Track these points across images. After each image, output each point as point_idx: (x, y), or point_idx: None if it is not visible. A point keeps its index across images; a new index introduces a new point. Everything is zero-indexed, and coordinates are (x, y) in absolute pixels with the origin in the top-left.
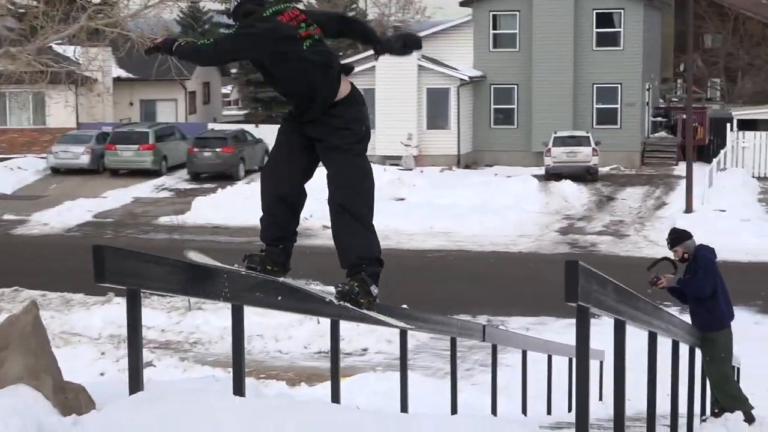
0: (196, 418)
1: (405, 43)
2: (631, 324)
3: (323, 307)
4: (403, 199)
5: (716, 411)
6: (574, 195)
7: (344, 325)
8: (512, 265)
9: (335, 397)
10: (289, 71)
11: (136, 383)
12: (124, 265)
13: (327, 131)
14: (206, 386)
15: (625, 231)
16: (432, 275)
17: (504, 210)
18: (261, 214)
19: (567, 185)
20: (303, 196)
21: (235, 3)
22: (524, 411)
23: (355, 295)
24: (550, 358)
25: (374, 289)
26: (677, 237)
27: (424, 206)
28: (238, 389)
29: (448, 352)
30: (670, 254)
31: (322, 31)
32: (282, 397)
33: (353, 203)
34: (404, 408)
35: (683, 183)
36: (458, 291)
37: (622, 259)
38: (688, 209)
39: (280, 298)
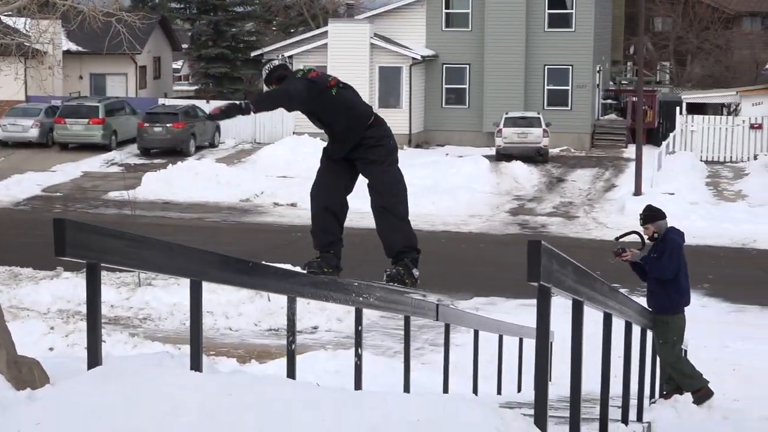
0: (156, 394)
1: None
2: (589, 305)
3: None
4: None
5: (665, 393)
6: (524, 176)
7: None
8: (463, 245)
9: (291, 374)
10: (329, 113)
11: (94, 358)
12: (85, 239)
13: (364, 150)
14: (161, 362)
15: (575, 213)
16: (384, 254)
17: (455, 190)
18: (311, 226)
19: (518, 166)
20: (346, 207)
21: (267, 70)
22: (475, 391)
23: (401, 276)
24: (501, 338)
25: (416, 272)
26: (651, 215)
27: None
28: (195, 365)
29: (399, 331)
30: (641, 230)
31: None
32: (240, 374)
33: (392, 205)
34: (358, 386)
35: (632, 165)
36: None
37: (572, 241)
38: (637, 192)
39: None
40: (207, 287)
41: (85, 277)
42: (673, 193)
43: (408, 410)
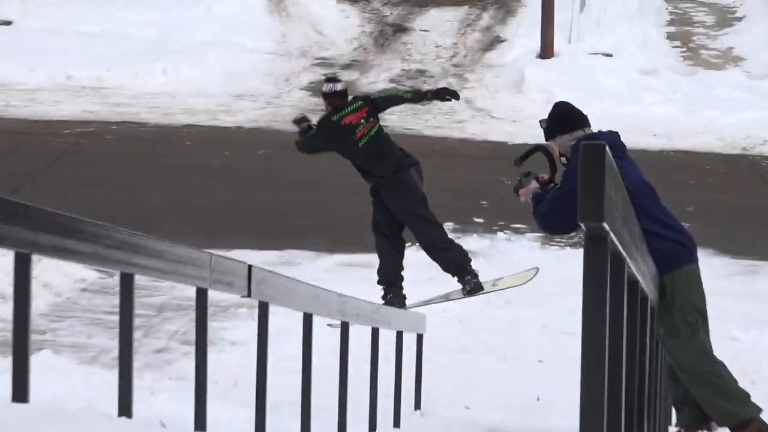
0: None
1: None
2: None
3: None
4: (10, 23)
5: (682, 429)
6: (332, 20)
7: None
8: (226, 152)
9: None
10: (354, 159)
11: None
12: None
13: (392, 196)
14: None
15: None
16: (88, 158)
17: (204, 47)
18: (380, 265)
19: (317, 1)
20: (404, 243)
21: (328, 90)
22: None
23: (474, 285)
24: (345, 326)
25: (476, 273)
26: (550, 125)
27: (42, 37)
28: None
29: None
30: (555, 146)
31: (382, 110)
32: None
33: (434, 238)
34: None
35: (532, 1)
36: (126, 197)
37: (429, 142)
38: (546, 51)
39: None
40: None
41: None
42: (610, 54)
43: None
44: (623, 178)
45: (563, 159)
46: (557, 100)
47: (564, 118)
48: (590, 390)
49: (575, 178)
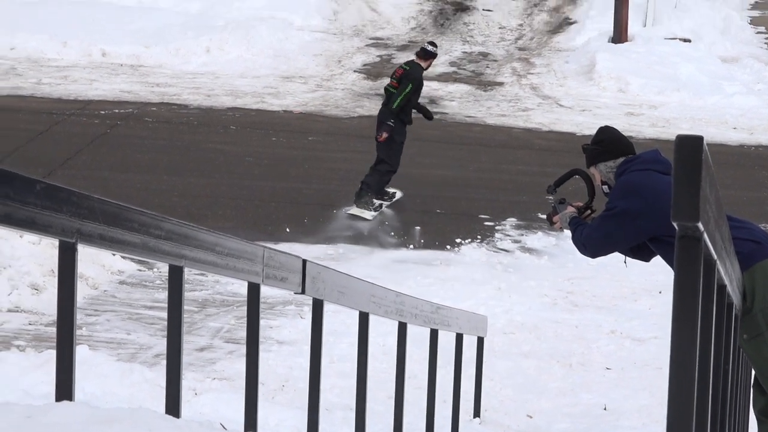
0: None
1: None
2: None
3: None
4: None
5: None
6: None
7: None
8: (274, 137)
9: None
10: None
11: None
12: None
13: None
14: None
15: (494, 75)
16: (125, 141)
17: (251, 24)
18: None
19: None
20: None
21: (435, 51)
22: None
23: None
24: (403, 330)
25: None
26: (592, 149)
27: (76, 9)
28: None
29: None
30: (596, 172)
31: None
32: None
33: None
34: None
35: None
36: (175, 188)
37: (492, 132)
38: (619, 35)
39: None
40: None
41: None
42: (688, 40)
43: None
44: (638, 212)
45: (605, 187)
46: (602, 125)
47: (609, 145)
48: (679, 403)
49: (621, 201)
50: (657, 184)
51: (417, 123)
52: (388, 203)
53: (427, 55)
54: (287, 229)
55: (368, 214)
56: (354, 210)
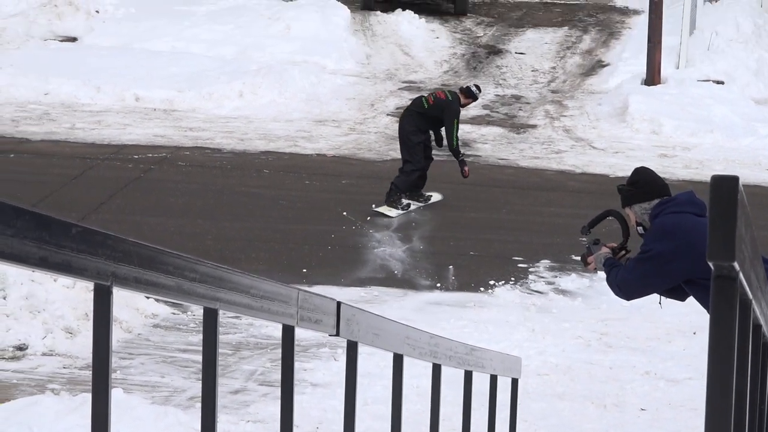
0: None
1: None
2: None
3: None
4: (75, 39)
5: None
6: (421, 40)
7: None
8: (307, 181)
9: None
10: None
11: None
12: None
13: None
14: None
15: (527, 118)
16: (158, 185)
17: (284, 68)
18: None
19: (407, 20)
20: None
21: (478, 93)
22: None
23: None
24: (438, 372)
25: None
26: (636, 187)
27: (110, 55)
28: None
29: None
30: (627, 213)
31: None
32: None
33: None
34: None
35: (638, 23)
36: (202, 231)
37: (525, 174)
38: (652, 77)
39: None
40: None
41: None
42: (722, 82)
43: None
44: (674, 255)
45: (640, 228)
46: (638, 166)
47: (644, 186)
48: None
49: (656, 244)
50: (692, 226)
51: (452, 167)
52: (423, 204)
53: (470, 95)
54: (321, 272)
55: (393, 212)
56: (381, 208)
